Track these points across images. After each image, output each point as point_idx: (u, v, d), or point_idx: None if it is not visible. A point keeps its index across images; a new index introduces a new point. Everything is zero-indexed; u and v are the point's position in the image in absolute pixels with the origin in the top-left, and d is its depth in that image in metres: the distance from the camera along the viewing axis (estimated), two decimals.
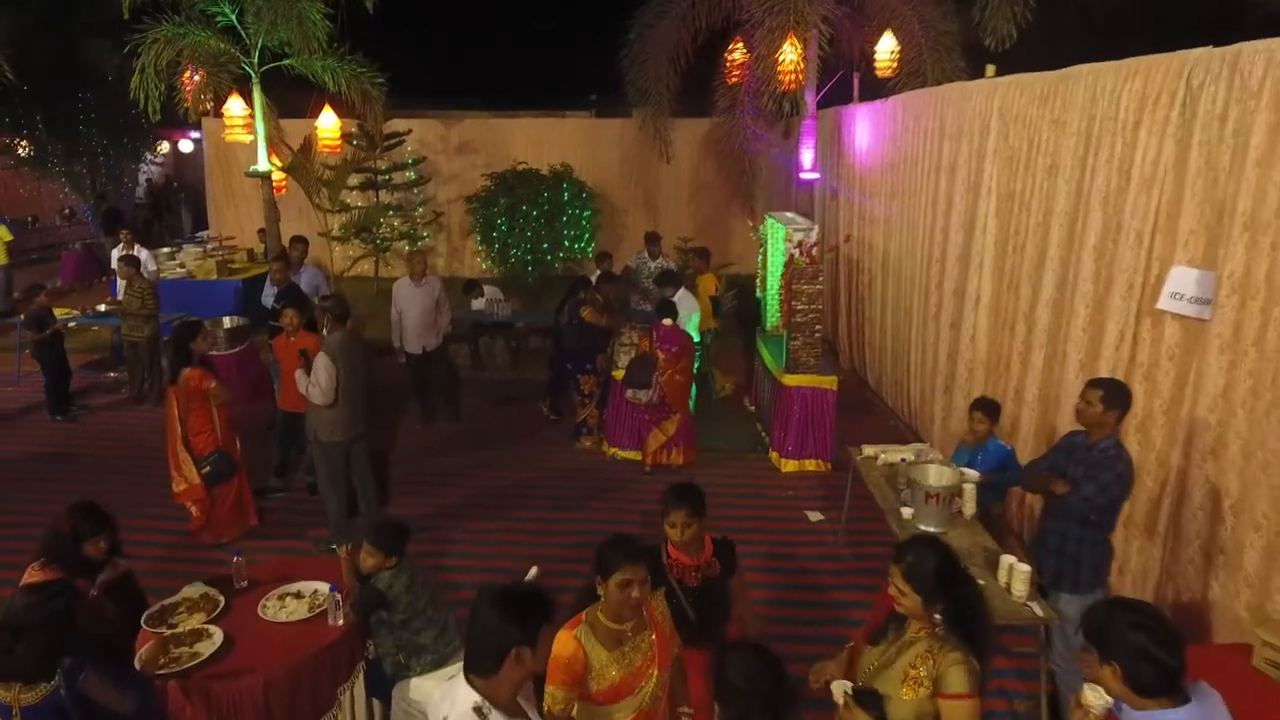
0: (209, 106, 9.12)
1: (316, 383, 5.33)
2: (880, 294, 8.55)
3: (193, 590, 3.86)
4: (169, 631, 3.55)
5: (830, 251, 7.68)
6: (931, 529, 4.24)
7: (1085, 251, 4.82)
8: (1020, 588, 3.72)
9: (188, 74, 8.88)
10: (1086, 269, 4.81)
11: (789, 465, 7.10)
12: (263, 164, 9.38)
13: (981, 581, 3.54)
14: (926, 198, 7.25)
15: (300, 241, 8.53)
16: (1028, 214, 5.50)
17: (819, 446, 7.05)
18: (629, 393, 6.98)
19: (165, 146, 20.33)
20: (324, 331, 5.57)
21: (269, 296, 7.83)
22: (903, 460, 5.03)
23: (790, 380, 6.99)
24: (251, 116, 9.00)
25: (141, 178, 19.91)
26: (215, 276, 11.90)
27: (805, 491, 6.76)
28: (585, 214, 13.63)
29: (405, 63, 13.21)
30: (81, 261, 15.63)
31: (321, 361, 5.33)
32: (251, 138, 9.17)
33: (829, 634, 4.58)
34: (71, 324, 9.47)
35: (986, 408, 4.81)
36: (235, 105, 8.79)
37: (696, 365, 7.48)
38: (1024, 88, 5.59)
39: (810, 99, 9.55)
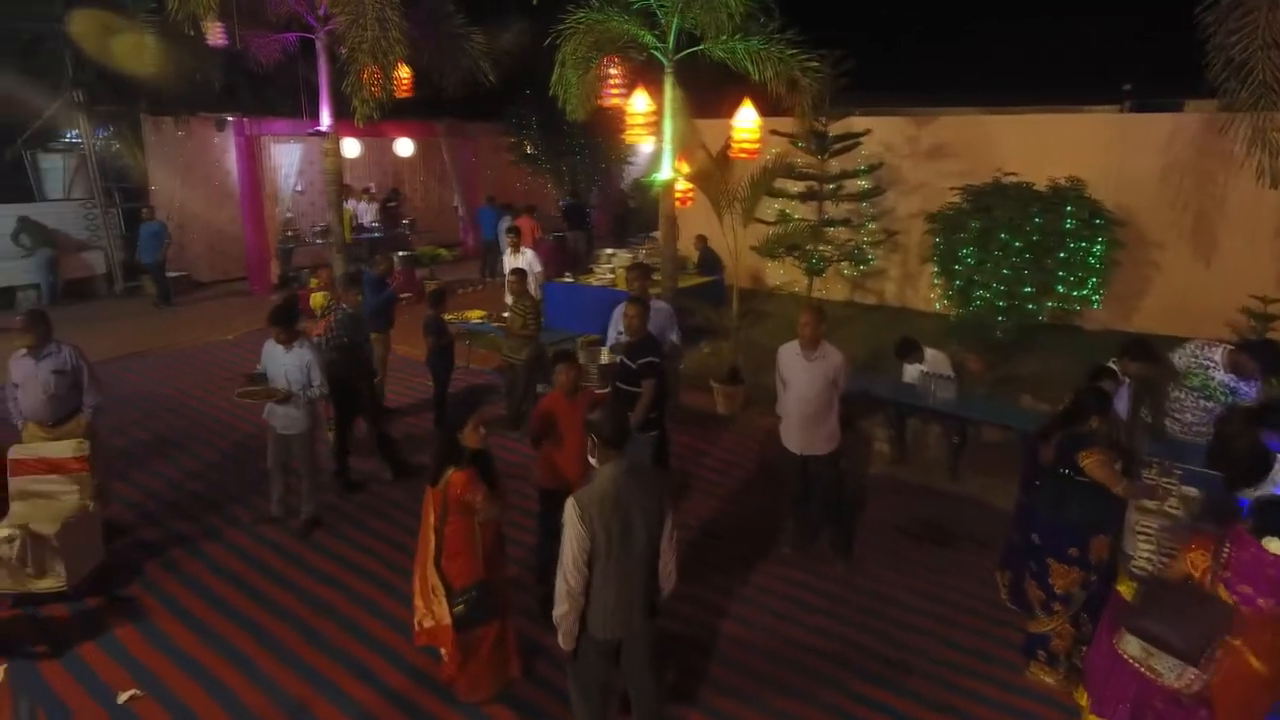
0: (618, 101, 7.70)
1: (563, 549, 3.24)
2: None
3: None
4: None
5: None
6: None
7: None
8: None
9: (602, 66, 7.58)
10: None
11: None
12: (665, 170, 7.70)
13: None
14: None
15: (639, 270, 6.69)
16: None
17: None
18: (1131, 645, 3.52)
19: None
20: (591, 459, 3.40)
21: (613, 341, 6.16)
22: None
23: None
24: (656, 114, 7.32)
25: (626, 176, 20.74)
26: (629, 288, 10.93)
27: None
28: (1096, 248, 9.62)
29: (871, 51, 10.65)
30: (552, 252, 16.45)
31: (568, 523, 3.21)
32: (654, 138, 7.54)
33: None
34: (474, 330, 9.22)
35: None
36: (639, 101, 7.19)
37: None
38: None
39: None
